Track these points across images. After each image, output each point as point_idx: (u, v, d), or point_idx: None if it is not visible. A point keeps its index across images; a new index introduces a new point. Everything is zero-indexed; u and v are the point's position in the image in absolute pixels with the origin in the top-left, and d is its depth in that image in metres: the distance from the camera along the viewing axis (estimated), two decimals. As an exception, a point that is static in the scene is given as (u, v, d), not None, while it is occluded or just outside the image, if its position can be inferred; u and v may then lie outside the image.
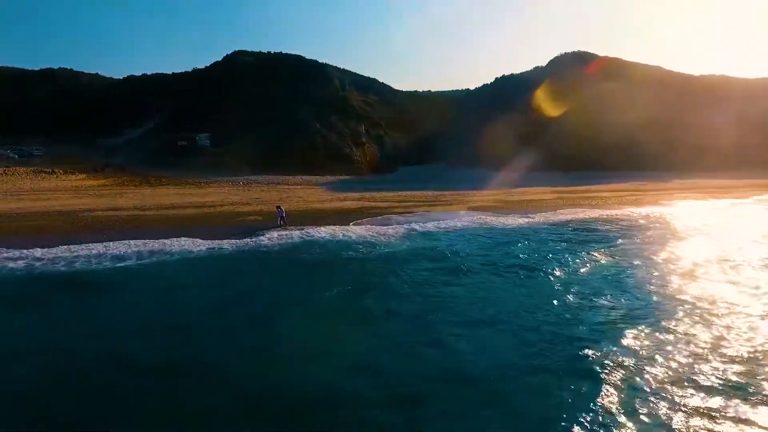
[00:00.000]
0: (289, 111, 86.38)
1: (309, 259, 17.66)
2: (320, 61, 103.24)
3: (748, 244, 19.71)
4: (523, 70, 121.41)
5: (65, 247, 18.16)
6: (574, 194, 43.39)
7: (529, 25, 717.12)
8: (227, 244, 19.25)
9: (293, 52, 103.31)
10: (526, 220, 27.06)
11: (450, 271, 15.51)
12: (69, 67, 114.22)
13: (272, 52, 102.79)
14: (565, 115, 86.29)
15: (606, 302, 12.26)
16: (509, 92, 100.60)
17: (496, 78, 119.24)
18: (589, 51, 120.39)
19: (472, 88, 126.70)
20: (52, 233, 21.09)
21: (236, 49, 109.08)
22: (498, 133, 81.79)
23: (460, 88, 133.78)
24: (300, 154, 74.96)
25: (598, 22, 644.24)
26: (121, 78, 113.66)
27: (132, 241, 19.14)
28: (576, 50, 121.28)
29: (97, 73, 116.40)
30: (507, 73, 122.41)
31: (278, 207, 25.25)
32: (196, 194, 40.06)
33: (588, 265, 16.30)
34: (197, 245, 18.99)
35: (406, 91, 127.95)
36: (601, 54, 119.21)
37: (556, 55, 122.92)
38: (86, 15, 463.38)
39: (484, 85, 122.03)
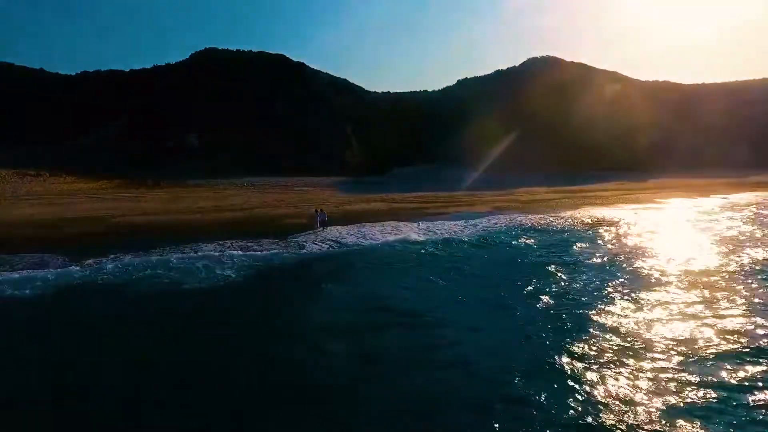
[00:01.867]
0: (275, 111, 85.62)
1: (444, 256, 18.26)
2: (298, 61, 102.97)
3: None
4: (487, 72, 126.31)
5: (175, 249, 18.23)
6: (574, 194, 46.35)
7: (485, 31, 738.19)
8: (314, 247, 19.64)
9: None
10: (559, 219, 28.89)
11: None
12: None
13: (253, 51, 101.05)
14: (547, 117, 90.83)
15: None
16: (489, 92, 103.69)
17: (463, 78, 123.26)
18: (557, 56, 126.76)
19: (437, 88, 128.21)
20: (126, 239, 20.73)
21: (206, 47, 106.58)
22: (486, 134, 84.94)
23: (429, 89, 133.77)
24: (291, 155, 74.66)
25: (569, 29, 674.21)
26: (74, 74, 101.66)
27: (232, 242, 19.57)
28: (547, 54, 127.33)
29: (42, 68, 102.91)
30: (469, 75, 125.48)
31: (318, 210, 25.08)
32: (213, 197, 39.52)
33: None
34: (280, 248, 19.29)
35: (381, 92, 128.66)
36: (567, 59, 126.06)
37: (528, 58, 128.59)
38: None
39: (458, 82, 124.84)
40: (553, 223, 27.10)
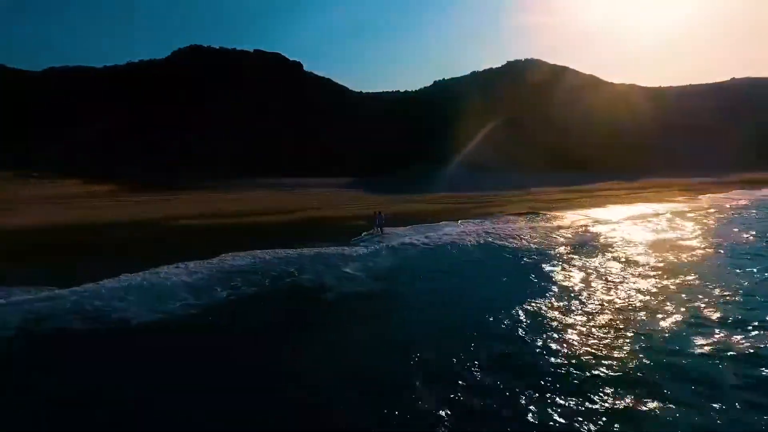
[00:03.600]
0: (271, 112, 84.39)
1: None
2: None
3: None
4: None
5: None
6: (591, 193, 48.48)
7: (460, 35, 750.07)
8: (415, 245, 19.76)
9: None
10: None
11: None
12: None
13: (244, 50, 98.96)
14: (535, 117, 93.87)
15: None
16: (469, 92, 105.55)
17: (436, 80, 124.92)
18: (541, 59, 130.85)
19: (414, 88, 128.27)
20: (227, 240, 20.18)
21: (191, 44, 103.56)
22: (478, 134, 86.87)
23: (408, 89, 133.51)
24: (291, 155, 73.91)
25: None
26: (40, 71, 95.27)
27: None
28: (530, 57, 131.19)
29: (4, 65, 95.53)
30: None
31: (378, 212, 24.22)
32: (242, 200, 38.74)
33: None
34: (372, 248, 19.17)
35: (366, 93, 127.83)
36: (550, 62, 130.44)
37: (512, 59, 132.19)
38: None
39: (446, 80, 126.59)
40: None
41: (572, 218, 28.95)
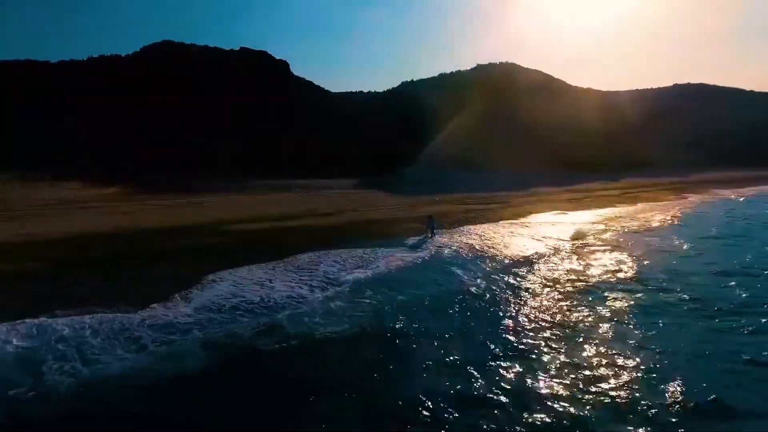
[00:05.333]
0: (264, 111, 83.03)
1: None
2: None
3: None
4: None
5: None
6: (589, 192, 51.41)
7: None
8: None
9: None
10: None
11: None
12: None
13: (228, 49, 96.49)
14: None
15: None
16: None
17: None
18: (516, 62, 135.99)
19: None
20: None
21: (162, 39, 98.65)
22: (469, 134, 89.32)
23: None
24: (294, 157, 73.23)
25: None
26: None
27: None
28: (505, 61, 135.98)
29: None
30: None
31: (430, 216, 24.67)
32: (276, 203, 38.34)
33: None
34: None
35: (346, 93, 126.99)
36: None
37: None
38: None
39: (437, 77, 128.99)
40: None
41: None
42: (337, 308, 12.19)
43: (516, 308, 12.43)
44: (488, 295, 13.65)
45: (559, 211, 34.19)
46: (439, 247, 20.47)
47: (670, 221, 29.44)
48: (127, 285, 13.83)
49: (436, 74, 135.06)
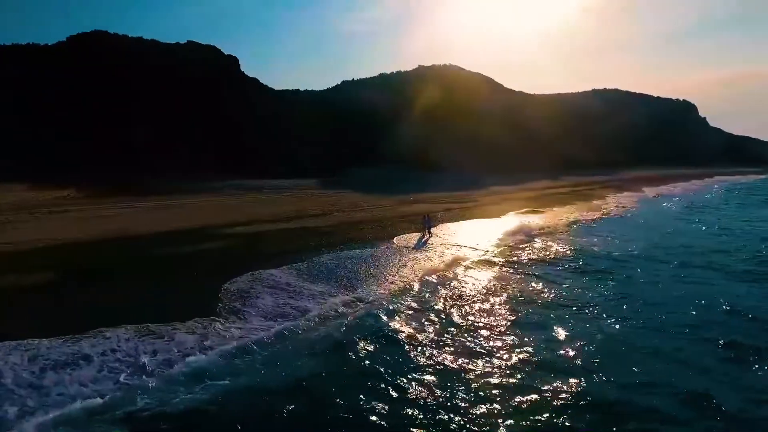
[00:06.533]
0: (209, 108, 79.73)
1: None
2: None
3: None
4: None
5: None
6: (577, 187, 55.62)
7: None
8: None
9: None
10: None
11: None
12: None
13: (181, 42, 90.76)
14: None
15: None
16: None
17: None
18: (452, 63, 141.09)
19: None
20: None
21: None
22: (418, 133, 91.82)
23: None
24: (246, 156, 71.25)
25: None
26: None
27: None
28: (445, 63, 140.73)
29: None
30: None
31: (426, 216, 25.70)
32: (263, 203, 37.56)
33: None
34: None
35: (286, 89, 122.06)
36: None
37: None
38: None
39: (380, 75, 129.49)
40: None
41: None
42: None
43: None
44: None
45: (529, 209, 36.84)
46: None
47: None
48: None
49: (376, 74, 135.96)
